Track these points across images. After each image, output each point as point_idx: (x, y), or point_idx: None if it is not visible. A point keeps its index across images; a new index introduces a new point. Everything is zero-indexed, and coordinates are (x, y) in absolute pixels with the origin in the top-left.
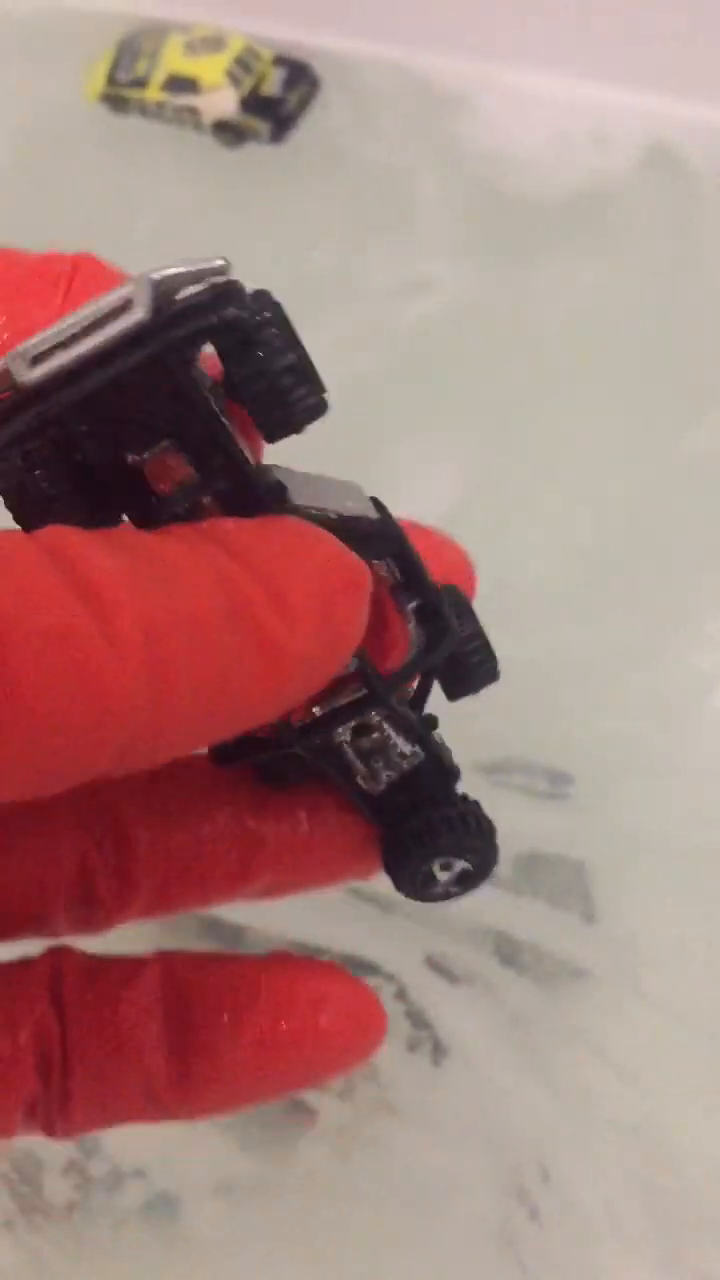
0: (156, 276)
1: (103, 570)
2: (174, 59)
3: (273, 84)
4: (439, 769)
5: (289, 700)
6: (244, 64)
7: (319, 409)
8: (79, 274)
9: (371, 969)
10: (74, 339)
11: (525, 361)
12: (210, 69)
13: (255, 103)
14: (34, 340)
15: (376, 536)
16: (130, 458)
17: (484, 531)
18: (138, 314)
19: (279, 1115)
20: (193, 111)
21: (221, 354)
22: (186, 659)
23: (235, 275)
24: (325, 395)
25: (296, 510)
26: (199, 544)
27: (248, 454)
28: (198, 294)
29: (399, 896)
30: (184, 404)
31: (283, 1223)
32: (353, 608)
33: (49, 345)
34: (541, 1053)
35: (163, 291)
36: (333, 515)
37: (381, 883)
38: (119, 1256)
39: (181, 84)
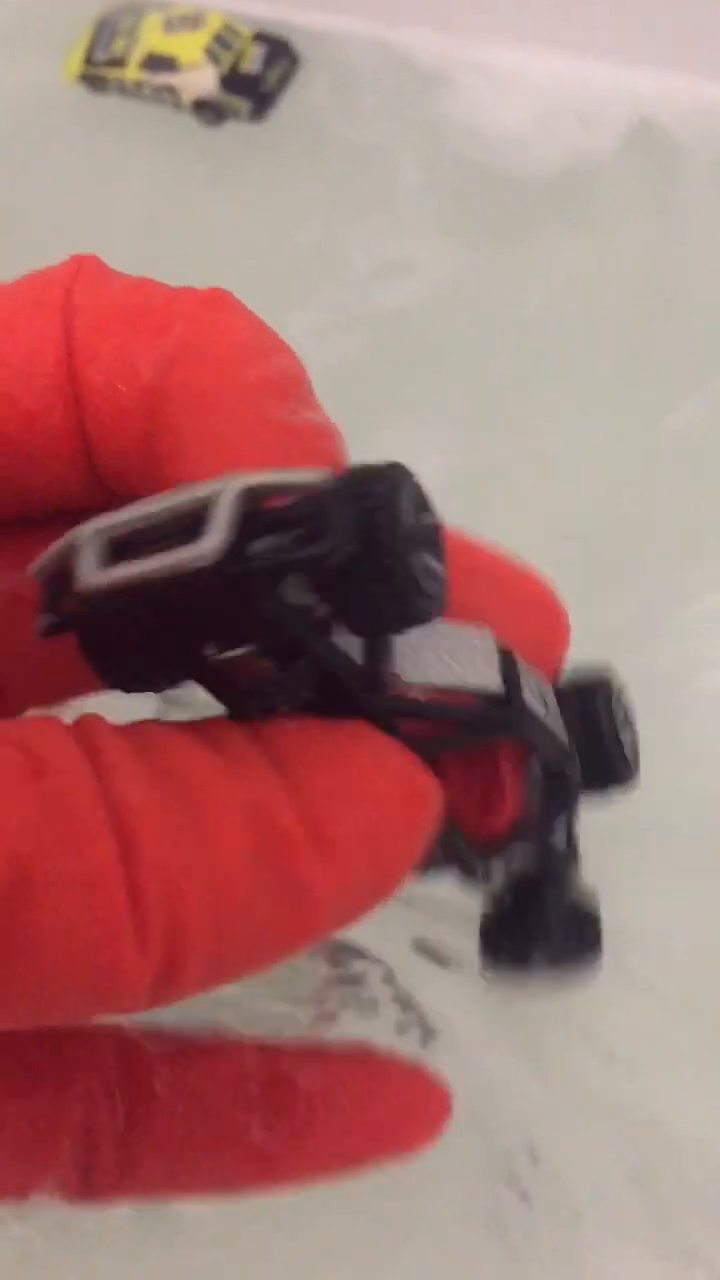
0: (240, 489)
1: (134, 801)
2: (152, 37)
3: (252, 61)
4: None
5: (311, 943)
6: (223, 41)
7: (424, 615)
8: (80, 278)
9: (359, 952)
10: (145, 545)
11: (509, 342)
12: (189, 47)
13: (235, 81)
14: (105, 523)
15: (485, 722)
16: (207, 652)
17: (468, 516)
18: (213, 542)
19: None
20: (172, 90)
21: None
22: (200, 912)
23: (325, 483)
24: (435, 599)
25: (392, 703)
26: (244, 757)
27: (345, 652)
28: (278, 540)
29: None
30: (267, 623)
31: (271, 1208)
32: (406, 840)
33: (120, 530)
34: (530, 1035)
35: (250, 499)
36: (430, 699)
37: None
38: (109, 1246)
39: (160, 63)
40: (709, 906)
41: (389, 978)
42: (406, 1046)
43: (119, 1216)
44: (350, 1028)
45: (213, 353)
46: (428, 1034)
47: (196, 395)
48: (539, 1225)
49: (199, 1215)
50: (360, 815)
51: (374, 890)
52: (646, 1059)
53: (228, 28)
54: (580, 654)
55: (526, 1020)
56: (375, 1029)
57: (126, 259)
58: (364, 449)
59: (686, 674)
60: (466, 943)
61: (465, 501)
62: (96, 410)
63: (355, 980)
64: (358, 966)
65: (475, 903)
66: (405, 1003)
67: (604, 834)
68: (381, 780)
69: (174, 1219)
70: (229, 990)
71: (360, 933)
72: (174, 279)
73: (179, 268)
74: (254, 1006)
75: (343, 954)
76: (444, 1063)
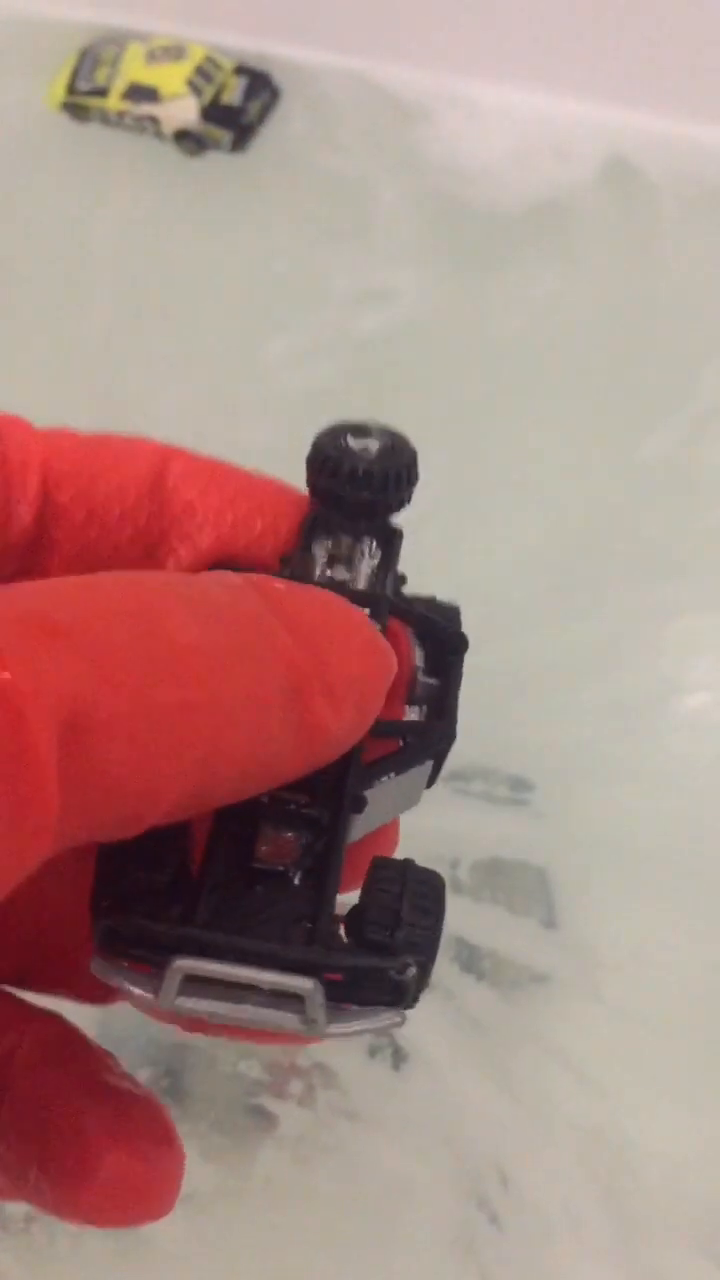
0: (321, 992)
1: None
2: (135, 68)
3: (234, 93)
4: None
5: (306, 771)
6: (205, 73)
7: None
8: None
9: None
10: (230, 989)
11: (483, 371)
12: (171, 78)
13: (216, 112)
14: (201, 968)
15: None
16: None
17: (443, 539)
18: (314, 1029)
19: (239, 1121)
20: (154, 120)
21: None
22: (236, 733)
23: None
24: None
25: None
26: (265, 616)
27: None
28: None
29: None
30: None
31: (244, 1231)
32: (381, 691)
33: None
34: (501, 1058)
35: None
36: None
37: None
38: (80, 1268)
39: (142, 93)
40: (680, 929)
41: None
42: (379, 1070)
43: (89, 1237)
44: (323, 1047)
45: None
46: (400, 1057)
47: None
48: (509, 1246)
49: (168, 1236)
50: (354, 668)
51: (354, 734)
52: (617, 1081)
53: (209, 60)
54: (549, 677)
55: (497, 1043)
56: (349, 1051)
57: (108, 286)
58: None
59: (659, 697)
60: (438, 964)
61: (439, 524)
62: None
63: None
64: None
65: (448, 926)
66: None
67: (576, 857)
68: (364, 639)
69: (142, 1240)
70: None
71: None
72: (155, 305)
73: (160, 295)
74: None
75: None
76: (416, 1085)
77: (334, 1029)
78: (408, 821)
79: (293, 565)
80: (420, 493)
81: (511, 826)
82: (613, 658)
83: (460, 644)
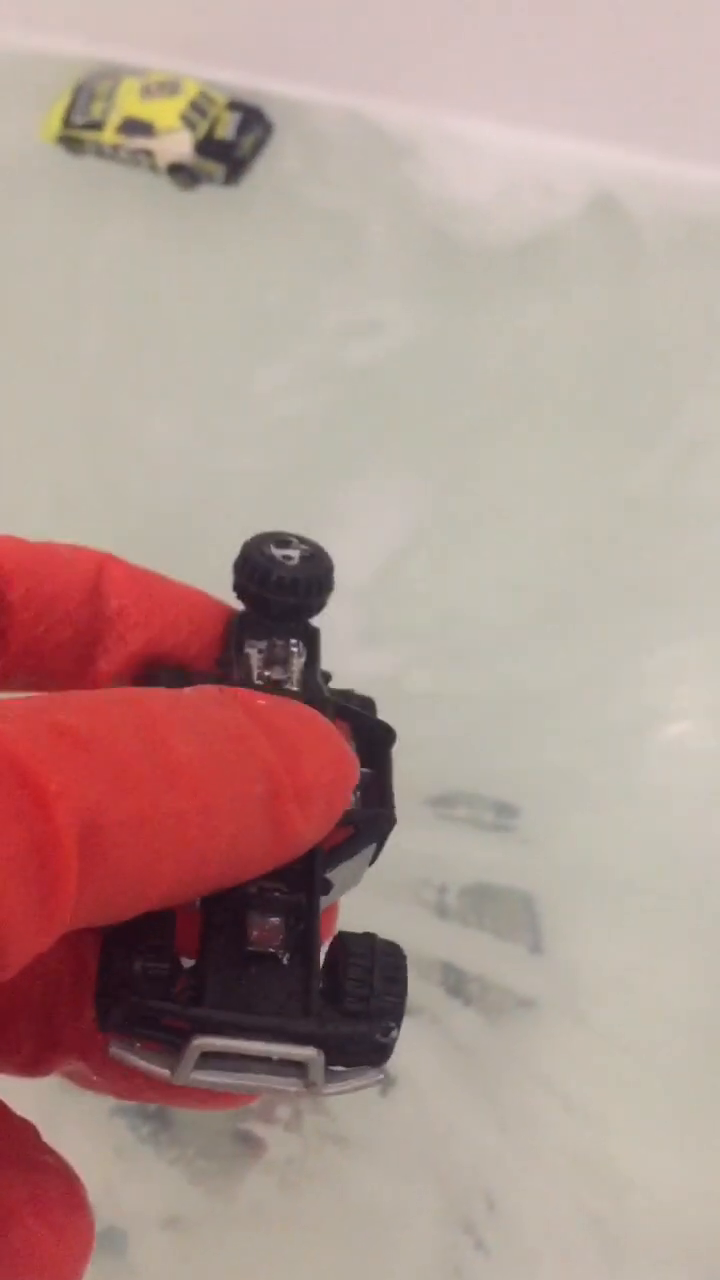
0: (322, 1062)
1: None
2: (130, 102)
3: (227, 128)
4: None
5: (277, 865)
6: (199, 108)
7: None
8: None
9: None
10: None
11: (472, 403)
12: (165, 112)
13: (209, 146)
14: (211, 1041)
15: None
16: None
17: (431, 568)
18: (310, 1090)
19: (227, 1147)
20: (148, 154)
21: None
22: (221, 835)
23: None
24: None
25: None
26: (251, 731)
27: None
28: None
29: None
30: None
31: (230, 1256)
32: (346, 796)
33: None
34: (488, 1083)
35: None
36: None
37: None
38: None
39: (137, 127)
40: (664, 954)
41: None
42: (366, 1095)
43: None
44: None
45: None
46: (387, 1082)
47: None
48: (495, 1272)
49: (155, 1261)
50: (325, 775)
51: (320, 835)
52: (603, 1107)
53: (203, 95)
54: (534, 704)
55: (484, 1068)
56: None
57: (100, 317)
58: (331, 503)
59: (643, 725)
60: (423, 987)
61: (427, 554)
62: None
63: None
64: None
65: (435, 951)
66: None
67: (562, 883)
68: (333, 747)
69: (130, 1264)
70: None
71: None
72: (147, 337)
73: (152, 326)
74: None
75: None
76: (403, 1110)
77: (329, 1089)
78: (395, 845)
79: (231, 667)
80: (407, 523)
81: (497, 852)
82: (597, 685)
83: (389, 736)
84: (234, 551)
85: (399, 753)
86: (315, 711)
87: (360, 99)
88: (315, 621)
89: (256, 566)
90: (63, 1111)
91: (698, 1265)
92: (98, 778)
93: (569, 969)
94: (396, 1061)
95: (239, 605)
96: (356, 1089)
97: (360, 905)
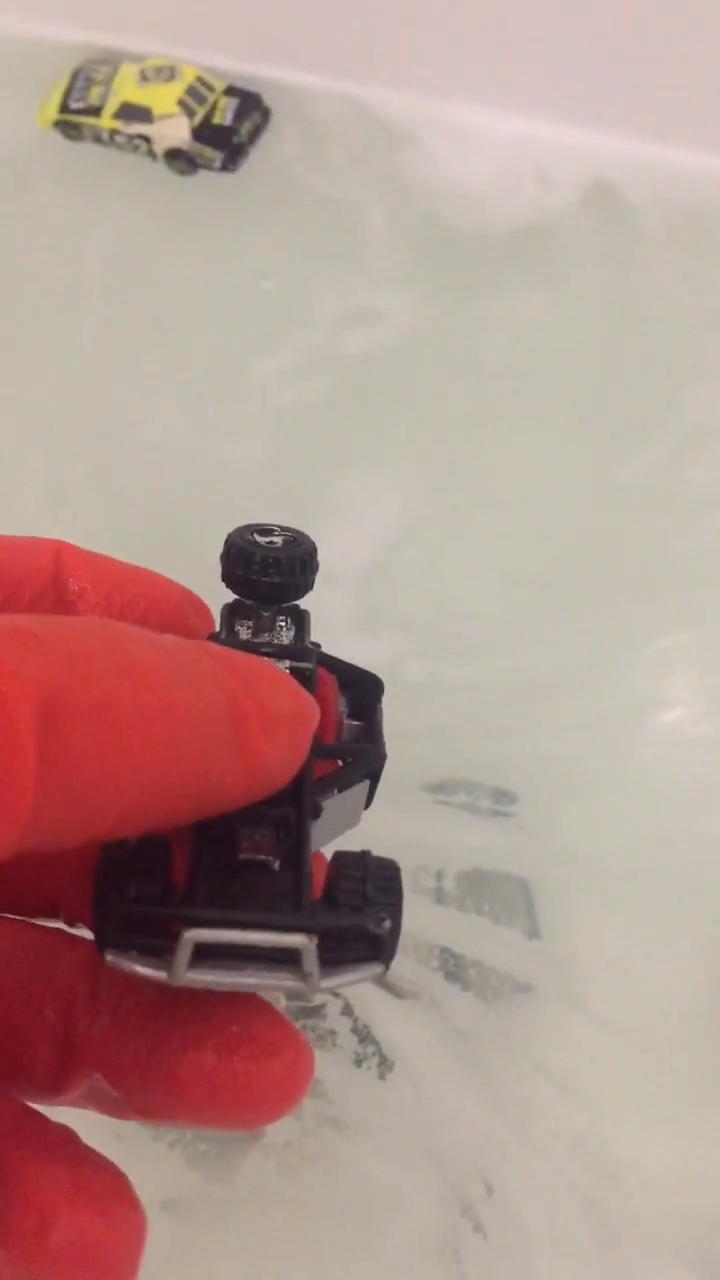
0: (315, 951)
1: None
2: (128, 88)
3: (225, 114)
4: None
5: (250, 797)
6: (196, 94)
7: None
8: None
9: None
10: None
11: (467, 392)
12: (163, 98)
13: (207, 132)
14: (204, 935)
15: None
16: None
17: (427, 557)
18: (311, 985)
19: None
20: (145, 139)
21: None
22: (185, 744)
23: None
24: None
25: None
26: (207, 659)
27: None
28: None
29: None
30: None
31: (229, 1239)
32: (309, 728)
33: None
34: (485, 1067)
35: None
36: None
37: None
38: None
39: (135, 112)
40: (661, 940)
41: (347, 1010)
42: (365, 1078)
43: None
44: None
45: None
46: (385, 1066)
47: None
48: (493, 1255)
49: (154, 1244)
50: (284, 708)
51: (288, 769)
52: (599, 1092)
53: (201, 81)
54: (530, 692)
55: (481, 1052)
56: (334, 1060)
57: (97, 302)
58: (326, 492)
59: (638, 714)
60: (421, 972)
61: (422, 543)
62: None
63: (315, 1013)
64: (318, 999)
65: (432, 936)
66: (363, 1035)
67: (558, 869)
68: (292, 689)
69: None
70: None
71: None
72: (144, 322)
73: (149, 311)
74: None
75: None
76: (401, 1094)
77: (326, 982)
78: (393, 833)
79: (219, 640)
80: (404, 512)
81: (494, 838)
82: (593, 674)
83: (378, 687)
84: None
85: (396, 740)
86: (269, 661)
87: (357, 85)
88: (305, 605)
89: (240, 551)
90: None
91: (692, 1247)
92: (55, 665)
93: (565, 954)
94: (395, 1045)
95: (231, 597)
96: (355, 982)
97: None
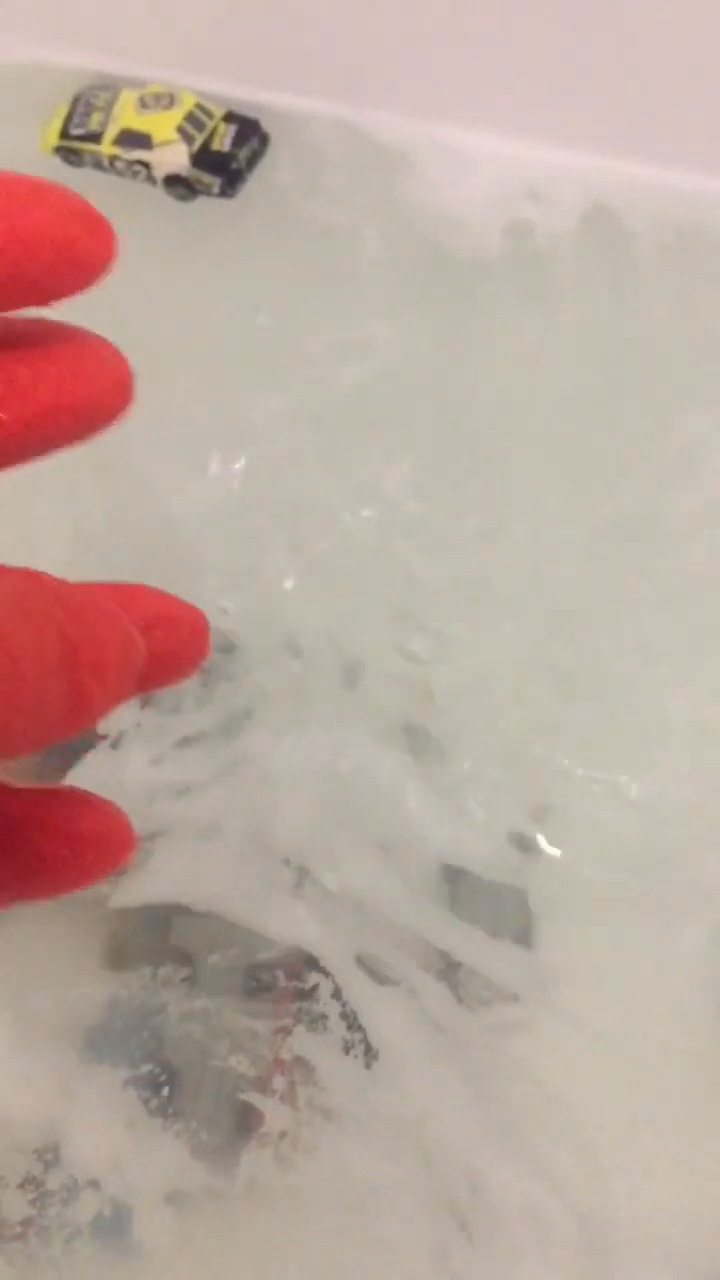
0: None
1: None
2: (127, 115)
3: (223, 140)
4: None
5: (68, 736)
6: (195, 120)
7: None
8: None
9: (314, 962)
10: None
11: (466, 417)
12: (162, 125)
13: (206, 158)
14: None
15: None
16: None
17: (425, 578)
18: None
19: (226, 1119)
20: (145, 165)
21: None
22: (21, 684)
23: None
24: None
25: None
26: (49, 605)
27: None
28: None
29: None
30: None
31: (228, 1232)
32: (133, 681)
33: None
34: (472, 1068)
35: None
36: None
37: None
38: (72, 1272)
39: (134, 139)
40: (640, 945)
41: (337, 993)
42: (352, 1066)
43: (81, 1239)
44: (303, 1041)
45: None
46: (371, 1055)
47: None
48: (478, 1255)
49: (157, 1237)
50: (118, 657)
51: (108, 710)
52: (580, 1097)
53: (200, 107)
54: (530, 712)
55: (469, 1051)
56: (324, 1044)
57: (93, 327)
58: (325, 520)
59: (634, 724)
60: (406, 963)
61: (423, 569)
62: None
63: (309, 994)
64: (312, 979)
65: (417, 923)
66: (351, 1021)
67: (539, 874)
68: (125, 631)
69: (137, 1246)
70: (199, 1004)
71: (313, 940)
72: (140, 347)
73: (147, 341)
74: (222, 1020)
75: (300, 965)
76: (387, 1086)
77: None
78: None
79: None
80: (401, 538)
81: (499, 850)
82: (585, 695)
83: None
84: (229, 575)
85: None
86: (110, 601)
87: (355, 110)
88: None
89: None
90: (80, 1083)
91: (677, 1252)
92: None
93: (555, 964)
94: (379, 1035)
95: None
96: None
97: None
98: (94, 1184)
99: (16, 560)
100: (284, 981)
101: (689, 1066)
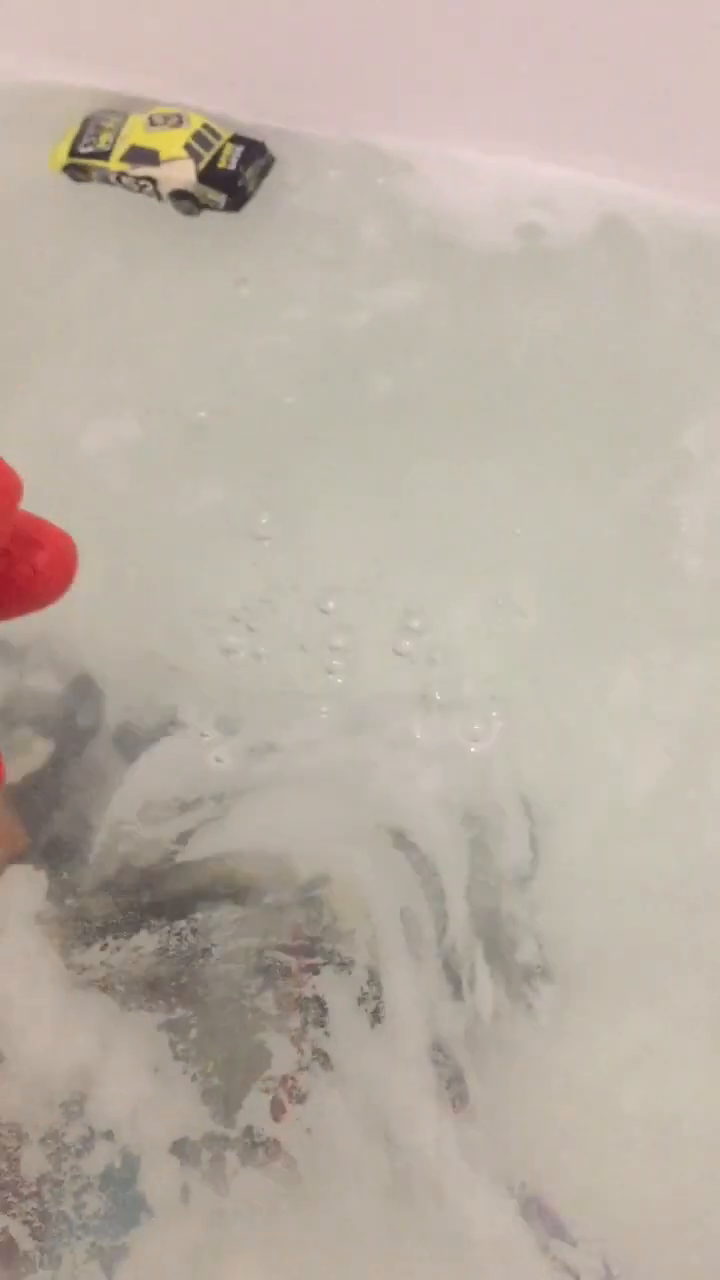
0: None
1: None
2: (136, 133)
3: (230, 159)
4: None
5: None
6: (203, 140)
7: None
8: None
9: (362, 907)
10: None
11: (474, 416)
12: (171, 142)
13: (213, 175)
14: None
15: None
16: None
17: (438, 576)
18: None
19: (243, 1060)
20: (151, 181)
21: None
22: None
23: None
24: None
25: None
26: None
27: None
28: None
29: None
30: None
31: (230, 1181)
32: (10, 514)
33: None
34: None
35: None
36: None
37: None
38: (84, 1229)
39: (142, 155)
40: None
41: (371, 943)
42: (360, 1018)
43: (94, 1195)
44: (326, 979)
45: None
46: (377, 1015)
47: None
48: (432, 1244)
49: (166, 1183)
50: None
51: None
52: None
53: (207, 128)
54: (551, 706)
55: (463, 1050)
56: (343, 987)
57: (86, 333)
58: (333, 517)
59: (633, 721)
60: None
61: (431, 565)
62: None
63: (347, 935)
64: (354, 923)
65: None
66: (373, 976)
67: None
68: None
69: (143, 1198)
70: (244, 943)
71: (367, 881)
72: (140, 360)
73: (142, 350)
74: (262, 957)
75: (350, 906)
76: (381, 1056)
77: None
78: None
79: None
80: (408, 535)
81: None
82: (595, 696)
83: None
84: (230, 586)
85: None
86: None
87: (363, 132)
88: None
89: None
90: (118, 1031)
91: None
92: None
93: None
94: (390, 1002)
95: None
96: None
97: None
98: (109, 1135)
99: None
100: (328, 920)
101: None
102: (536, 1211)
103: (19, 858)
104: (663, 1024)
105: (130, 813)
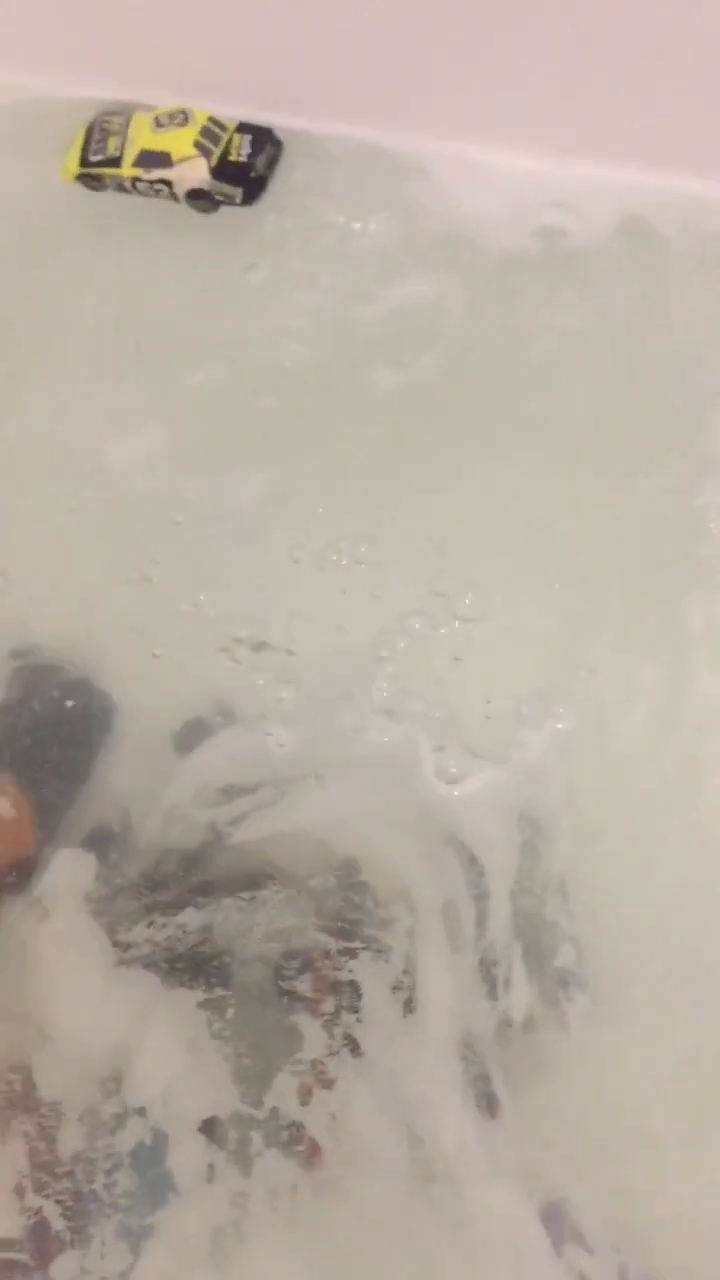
0: None
1: None
2: (144, 136)
3: (240, 150)
4: None
5: None
6: (210, 134)
7: None
8: None
9: (405, 896)
10: None
11: (493, 415)
12: (180, 141)
13: (226, 170)
14: None
15: None
16: None
17: (460, 570)
18: None
19: (271, 1043)
20: (167, 184)
21: None
22: None
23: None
24: None
25: None
26: None
27: None
28: None
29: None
30: None
31: (254, 1162)
32: None
33: None
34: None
35: None
36: None
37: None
38: (113, 1207)
39: (154, 158)
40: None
41: (411, 933)
42: (392, 1007)
43: (125, 1175)
44: (363, 964)
45: None
46: (409, 1006)
47: None
48: (445, 1238)
49: (192, 1166)
50: None
51: None
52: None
53: (213, 121)
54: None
55: (493, 1049)
56: (379, 974)
57: (98, 343)
58: (359, 518)
59: (641, 727)
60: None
61: (454, 559)
62: None
63: (388, 923)
64: (396, 911)
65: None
66: (410, 966)
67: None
68: None
69: (168, 1172)
70: (287, 923)
71: (414, 871)
72: (145, 361)
73: (159, 348)
74: (303, 937)
75: (393, 895)
76: (408, 1049)
77: None
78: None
79: None
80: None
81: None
82: (624, 691)
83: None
84: (232, 589)
85: None
86: None
87: (370, 129)
88: None
89: None
90: (159, 1009)
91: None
92: None
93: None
94: (425, 993)
95: None
96: None
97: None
98: (141, 1111)
99: None
100: (371, 905)
101: None
102: (555, 1216)
103: (23, 859)
104: (702, 1042)
105: (185, 796)
